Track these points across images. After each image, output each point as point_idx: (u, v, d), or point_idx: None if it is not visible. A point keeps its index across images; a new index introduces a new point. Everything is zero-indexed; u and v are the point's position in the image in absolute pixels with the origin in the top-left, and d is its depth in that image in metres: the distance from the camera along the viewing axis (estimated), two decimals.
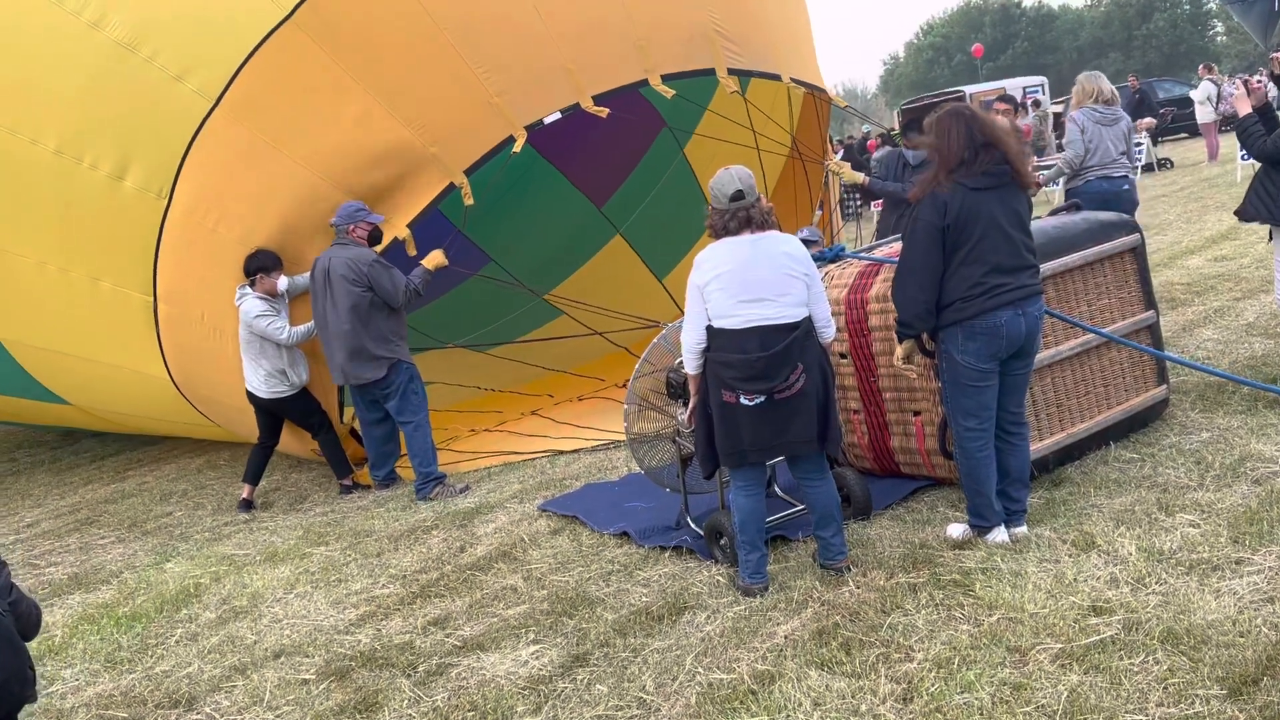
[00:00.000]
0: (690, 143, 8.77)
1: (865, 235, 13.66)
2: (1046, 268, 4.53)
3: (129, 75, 5.75)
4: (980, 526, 4.08)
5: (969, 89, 24.25)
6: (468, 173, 6.28)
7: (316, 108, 5.97)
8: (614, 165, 8.92)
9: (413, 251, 6.27)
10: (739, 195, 3.83)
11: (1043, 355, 4.55)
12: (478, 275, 7.78)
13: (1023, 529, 4.08)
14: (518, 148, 6.34)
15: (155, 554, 5.85)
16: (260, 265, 6.10)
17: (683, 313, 6.62)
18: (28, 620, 2.62)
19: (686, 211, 9.15)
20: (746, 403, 3.77)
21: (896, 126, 21.45)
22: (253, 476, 6.57)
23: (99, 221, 6.06)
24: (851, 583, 3.91)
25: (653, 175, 9.30)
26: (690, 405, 4.11)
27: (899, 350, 4.07)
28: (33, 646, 2.75)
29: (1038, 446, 4.54)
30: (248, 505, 6.49)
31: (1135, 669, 3.02)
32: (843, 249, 5.27)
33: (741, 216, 3.83)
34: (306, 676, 3.91)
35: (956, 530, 4.17)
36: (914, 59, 72.84)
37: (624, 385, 8.08)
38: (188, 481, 7.58)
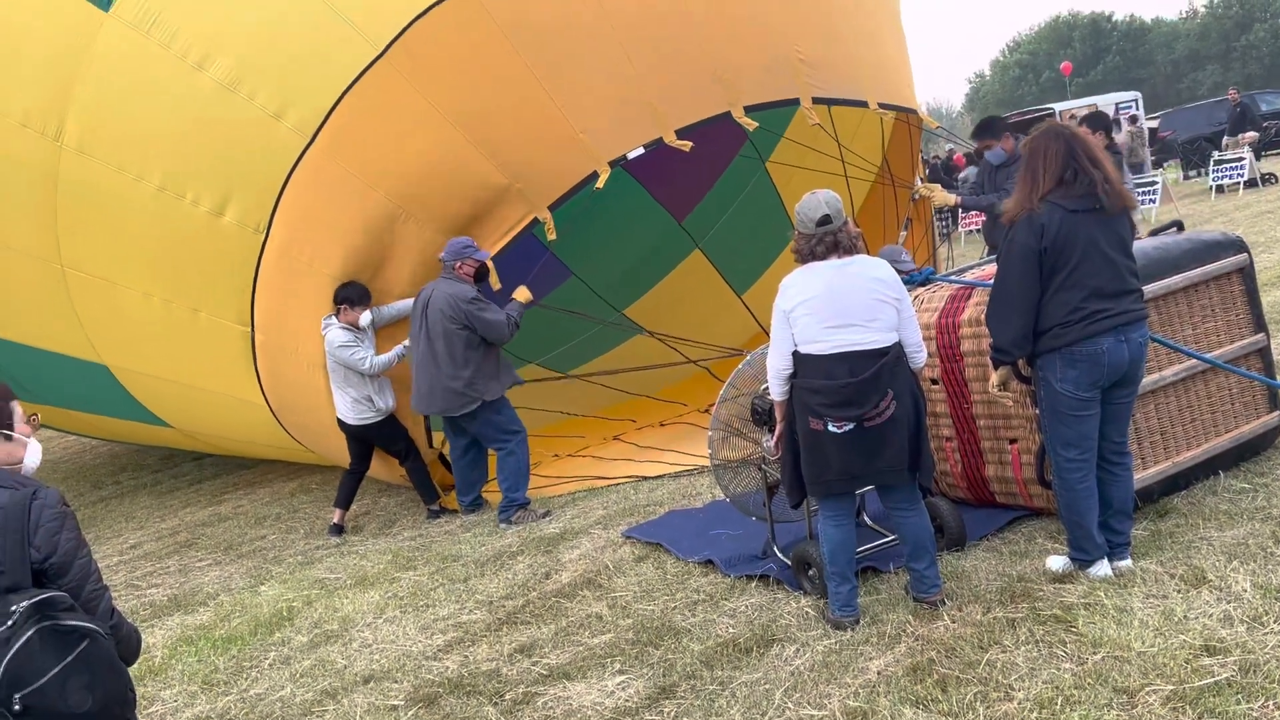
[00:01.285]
0: (776, 152, 8.70)
1: (954, 256, 13.38)
2: (1148, 290, 4.34)
3: (229, 114, 5.96)
4: (1081, 560, 3.92)
5: (1058, 106, 23.70)
6: (552, 207, 6.35)
7: (406, 143, 6.10)
8: (695, 178, 8.86)
9: (496, 285, 6.36)
10: (826, 220, 3.78)
11: (1146, 381, 4.37)
12: (553, 303, 7.82)
13: (1127, 562, 3.91)
14: (601, 183, 6.39)
15: (250, 577, 5.99)
16: (345, 297, 6.23)
17: (763, 330, 6.53)
18: (128, 644, 2.69)
19: (768, 227, 9.11)
20: (835, 430, 3.70)
21: (961, 159, 21.10)
22: (343, 501, 6.69)
23: (200, 255, 6.28)
24: (946, 617, 3.79)
25: (734, 189, 9.23)
26: (776, 433, 4.04)
27: (994, 377, 3.95)
28: (133, 667, 2.82)
29: (1141, 476, 4.35)
30: (338, 530, 6.61)
31: (1254, 714, 2.85)
32: (931, 272, 5.15)
33: (829, 241, 3.78)
34: (395, 703, 3.94)
35: (1056, 563, 4.02)
36: (1000, 76, 71.64)
37: (707, 410, 8.08)
38: (281, 505, 7.76)
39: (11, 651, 2.33)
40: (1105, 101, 23.84)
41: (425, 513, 6.69)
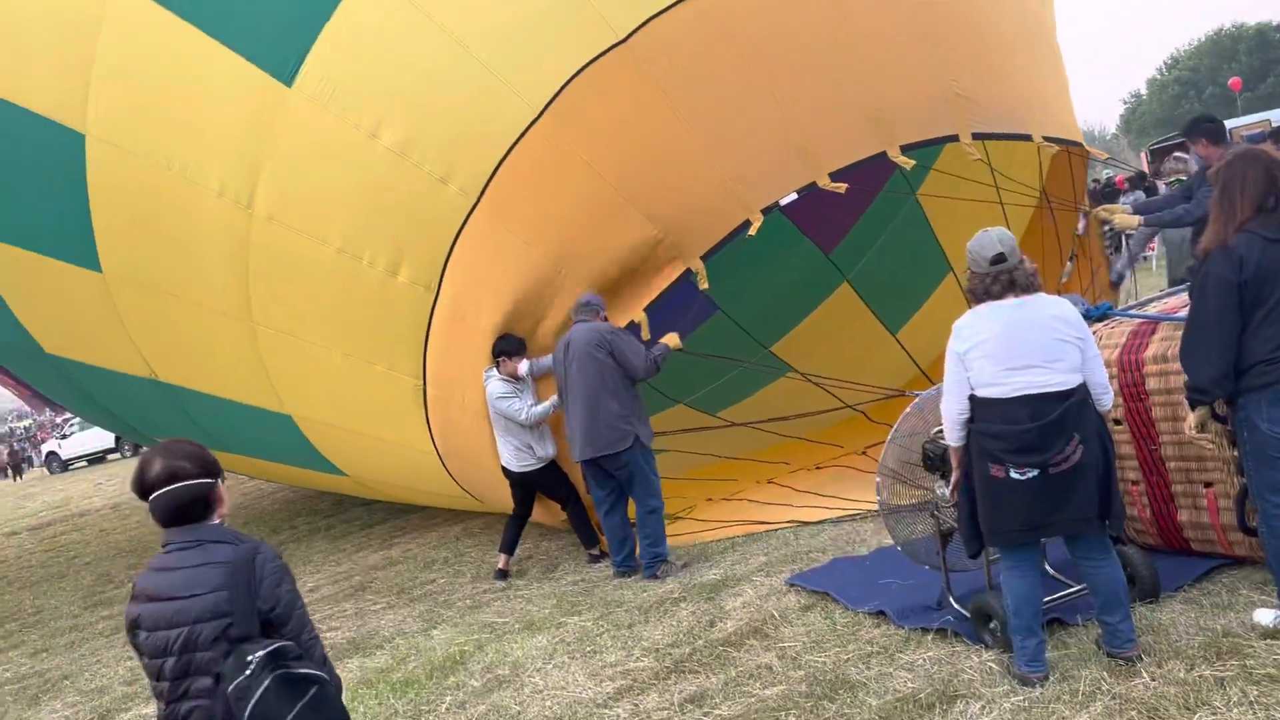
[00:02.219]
0: (925, 185, 8.49)
1: (1138, 287, 12.70)
2: None
3: (401, 180, 6.26)
4: None
5: (1229, 123, 22.39)
6: (705, 256, 6.38)
7: (562, 202, 6.27)
8: (842, 209, 8.73)
9: (646, 335, 6.42)
10: (1000, 258, 3.65)
11: None
12: (700, 338, 7.80)
13: None
14: (753, 231, 6.39)
15: (422, 620, 6.18)
16: (503, 349, 6.40)
17: (921, 372, 6.28)
18: (338, 690, 2.81)
19: (921, 261, 8.88)
20: (1017, 476, 3.55)
21: (1145, 167, 20.09)
22: (508, 546, 6.84)
23: (376, 312, 6.60)
24: (1145, 674, 3.56)
25: (883, 220, 9.04)
26: (953, 480, 3.91)
27: (1191, 418, 3.72)
28: None
29: None
30: (503, 574, 6.75)
31: None
32: (1109, 307, 4.92)
33: (1004, 280, 3.65)
34: None
35: (1266, 616, 3.72)
36: (1158, 95, 68.20)
37: (864, 453, 7.92)
38: (448, 549, 7.99)
39: (255, 699, 2.47)
40: None
41: (586, 557, 6.76)
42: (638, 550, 6.25)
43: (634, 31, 6.17)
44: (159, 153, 6.69)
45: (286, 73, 6.27)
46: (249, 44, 6.35)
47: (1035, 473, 3.53)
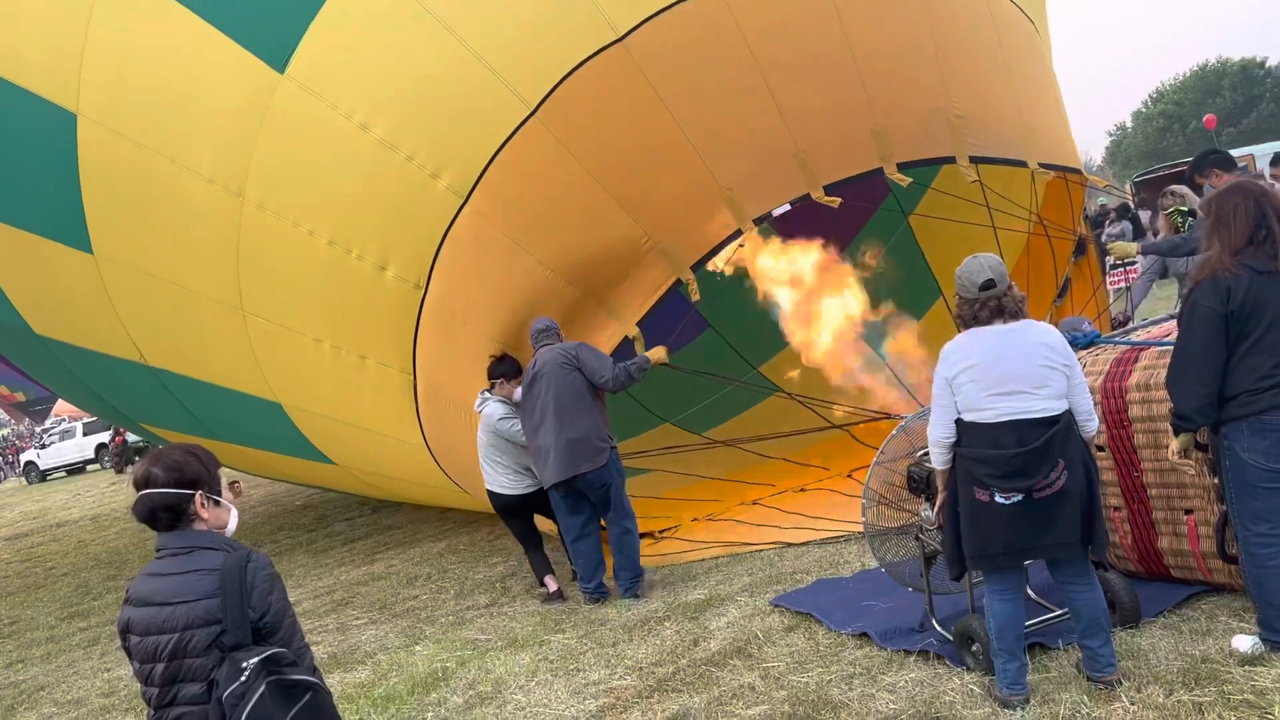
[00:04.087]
0: (918, 208, 8.57)
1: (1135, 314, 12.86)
2: None
3: (391, 174, 6.24)
4: (1273, 641, 3.66)
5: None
6: (695, 267, 6.39)
7: (555, 202, 6.27)
8: (836, 228, 8.80)
9: (641, 351, 6.43)
10: (989, 284, 3.68)
11: None
12: (690, 355, 7.82)
13: None
14: (744, 240, 6.41)
15: (405, 636, 6.15)
16: (501, 373, 6.35)
17: (908, 392, 6.32)
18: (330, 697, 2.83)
19: (912, 285, 8.94)
20: (1002, 501, 3.58)
21: (1130, 199, 20.30)
22: (544, 570, 6.48)
23: (365, 307, 6.62)
24: (1125, 698, 3.59)
25: (876, 243, 9.12)
26: (938, 503, 3.94)
27: (1174, 445, 3.77)
28: None
29: None
30: (559, 595, 6.36)
31: None
32: (1097, 334, 4.97)
33: (993, 306, 3.69)
34: None
35: (1244, 643, 3.76)
36: (1143, 128, 68.99)
37: (849, 475, 7.95)
38: (431, 565, 7.96)
39: (249, 706, 2.49)
40: (1262, 151, 22.67)
41: (573, 575, 6.73)
42: (610, 574, 6.19)
43: (632, 30, 6.14)
44: (151, 136, 6.65)
45: (280, 59, 6.22)
46: (243, 29, 6.31)
47: (1020, 497, 3.56)
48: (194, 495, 2.73)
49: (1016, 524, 3.59)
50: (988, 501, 3.61)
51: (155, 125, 6.64)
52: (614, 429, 6.27)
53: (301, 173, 6.44)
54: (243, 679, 2.49)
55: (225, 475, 2.85)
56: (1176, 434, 3.74)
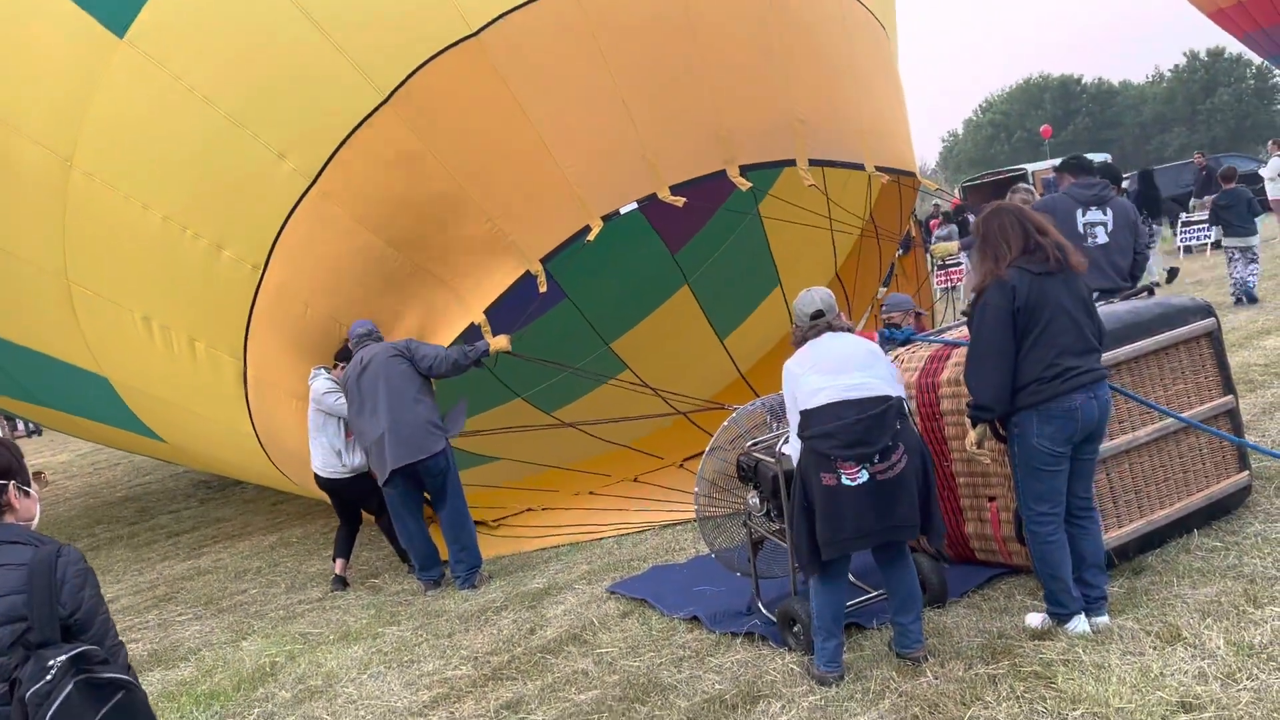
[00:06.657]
0: (765, 200, 8.80)
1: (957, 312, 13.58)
2: (1120, 353, 4.51)
3: (234, 151, 6.03)
4: (1059, 615, 4.00)
5: (1030, 167, 24.25)
6: (544, 260, 6.44)
7: (405, 191, 6.18)
8: (692, 211, 8.94)
9: (488, 338, 6.42)
10: (819, 314, 4.11)
11: (1119, 441, 4.51)
12: (545, 327, 7.83)
13: (1104, 618, 3.99)
14: (592, 236, 6.49)
15: (231, 631, 5.96)
16: (347, 356, 6.27)
17: (742, 378, 6.50)
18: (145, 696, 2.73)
19: (754, 270, 9.22)
20: (849, 483, 3.77)
21: (958, 202, 21.51)
22: (342, 552, 6.58)
23: (198, 288, 6.36)
24: (929, 673, 3.85)
25: (726, 229, 9.31)
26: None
27: (972, 434, 4.07)
28: None
29: (1118, 534, 4.46)
30: (342, 582, 6.47)
31: None
32: (912, 332, 5.28)
33: (821, 326, 4.09)
34: None
35: (1035, 619, 4.09)
36: (973, 135, 72.97)
37: (682, 465, 8.16)
38: (261, 559, 7.72)
39: (55, 706, 2.38)
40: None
41: (406, 567, 6.68)
42: (446, 561, 6.18)
43: (486, 25, 6.19)
44: None
45: (119, 23, 5.92)
46: None
47: (865, 478, 3.77)
48: (7, 485, 2.60)
49: (864, 507, 3.79)
50: (835, 486, 3.79)
51: None
52: (470, 405, 6.28)
53: (137, 144, 6.14)
54: (48, 678, 2.38)
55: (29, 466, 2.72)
56: (974, 424, 4.05)
